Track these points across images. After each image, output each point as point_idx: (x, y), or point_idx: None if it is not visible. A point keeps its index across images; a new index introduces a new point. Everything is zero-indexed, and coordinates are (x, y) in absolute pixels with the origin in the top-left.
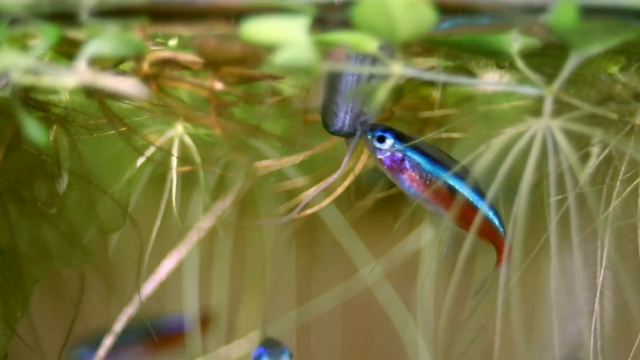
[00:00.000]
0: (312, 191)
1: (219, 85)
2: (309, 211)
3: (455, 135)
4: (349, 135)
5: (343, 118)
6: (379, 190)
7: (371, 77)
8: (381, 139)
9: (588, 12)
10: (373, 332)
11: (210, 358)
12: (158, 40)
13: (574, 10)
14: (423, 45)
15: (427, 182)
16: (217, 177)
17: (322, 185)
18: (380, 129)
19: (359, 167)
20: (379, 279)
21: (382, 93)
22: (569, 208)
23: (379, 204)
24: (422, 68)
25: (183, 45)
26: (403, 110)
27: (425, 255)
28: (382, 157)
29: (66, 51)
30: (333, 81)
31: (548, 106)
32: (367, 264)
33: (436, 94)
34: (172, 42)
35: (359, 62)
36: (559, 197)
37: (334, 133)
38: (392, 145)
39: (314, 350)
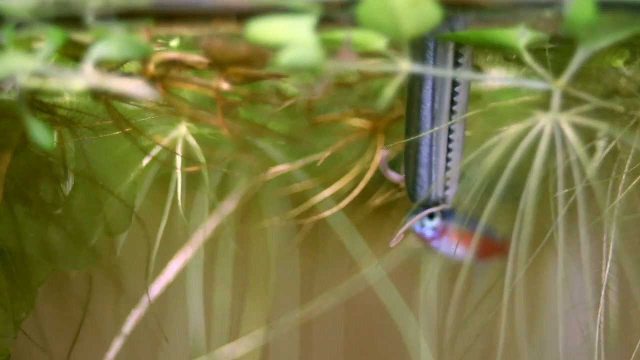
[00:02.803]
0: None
1: (225, 86)
2: (318, 217)
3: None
4: (435, 204)
5: (427, 189)
6: (382, 192)
7: (450, 149)
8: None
9: (595, 7)
10: (375, 331)
11: (213, 357)
12: (160, 41)
13: (592, 5)
14: None
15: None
16: (221, 177)
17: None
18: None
19: (368, 175)
20: (382, 278)
21: (390, 90)
22: (575, 202)
23: (382, 205)
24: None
25: (185, 45)
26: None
27: (427, 255)
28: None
29: (72, 54)
30: (413, 153)
31: (556, 100)
32: (370, 263)
33: None
34: (174, 43)
35: (441, 132)
36: (566, 190)
37: (421, 205)
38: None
39: (316, 349)
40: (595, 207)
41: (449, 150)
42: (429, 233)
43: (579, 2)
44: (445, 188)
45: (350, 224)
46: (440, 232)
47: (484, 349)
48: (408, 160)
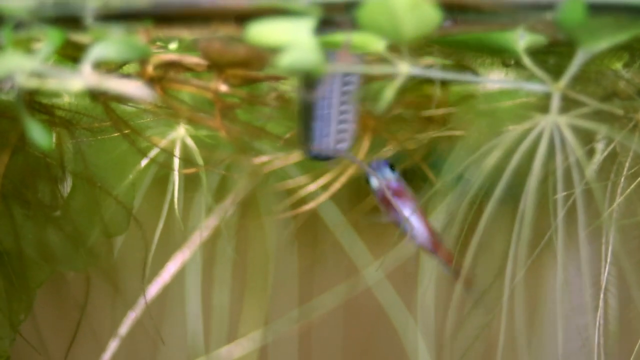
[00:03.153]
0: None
1: (224, 88)
2: (308, 206)
3: (458, 133)
4: (329, 159)
5: (320, 142)
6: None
7: (344, 102)
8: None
9: (594, 9)
10: (375, 333)
11: (212, 358)
12: (159, 43)
13: (582, 6)
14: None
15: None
16: (219, 179)
17: None
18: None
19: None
20: (380, 279)
21: (389, 93)
22: (574, 204)
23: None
24: (421, 66)
25: (184, 47)
26: (404, 109)
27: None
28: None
29: (71, 55)
30: (307, 107)
31: (555, 103)
32: (369, 264)
33: (437, 92)
34: (173, 45)
35: (335, 84)
36: (565, 193)
37: (314, 159)
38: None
39: (315, 351)
40: (594, 210)
41: (342, 103)
42: (393, 184)
43: (568, 4)
44: (339, 142)
45: (348, 223)
46: (402, 189)
47: (483, 350)
48: (302, 114)
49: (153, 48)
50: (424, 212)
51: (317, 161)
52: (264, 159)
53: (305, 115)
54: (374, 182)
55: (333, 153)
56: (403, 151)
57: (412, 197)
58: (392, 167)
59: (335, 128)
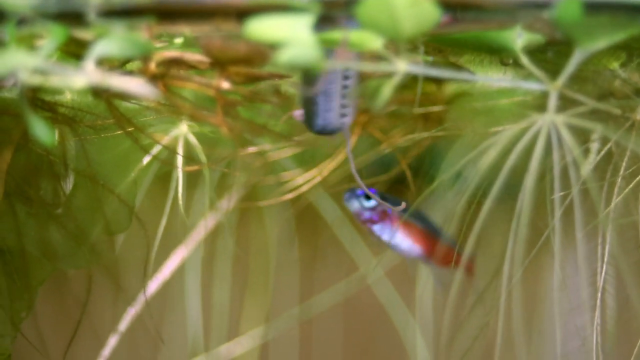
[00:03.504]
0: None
1: (225, 85)
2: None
3: (455, 131)
4: (333, 132)
5: (324, 117)
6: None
7: (346, 76)
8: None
9: (592, 7)
10: (375, 330)
11: (212, 356)
12: (163, 39)
13: (578, 5)
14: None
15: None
16: (221, 176)
17: None
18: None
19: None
20: (380, 276)
21: (387, 90)
22: (571, 203)
23: None
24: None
25: (187, 44)
26: (399, 105)
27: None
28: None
29: (74, 51)
30: (310, 82)
31: (553, 102)
32: (369, 261)
33: (433, 89)
34: (177, 40)
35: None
36: (562, 193)
37: (319, 133)
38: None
39: (315, 348)
40: (591, 209)
41: (345, 78)
42: (366, 214)
43: (565, 2)
44: (342, 116)
45: (347, 219)
46: (380, 216)
47: (482, 349)
48: (306, 90)
49: (156, 45)
50: (409, 225)
51: (322, 135)
52: (263, 148)
53: (310, 91)
54: (352, 207)
55: (337, 127)
56: (397, 149)
57: (393, 217)
58: (367, 197)
59: (339, 103)
